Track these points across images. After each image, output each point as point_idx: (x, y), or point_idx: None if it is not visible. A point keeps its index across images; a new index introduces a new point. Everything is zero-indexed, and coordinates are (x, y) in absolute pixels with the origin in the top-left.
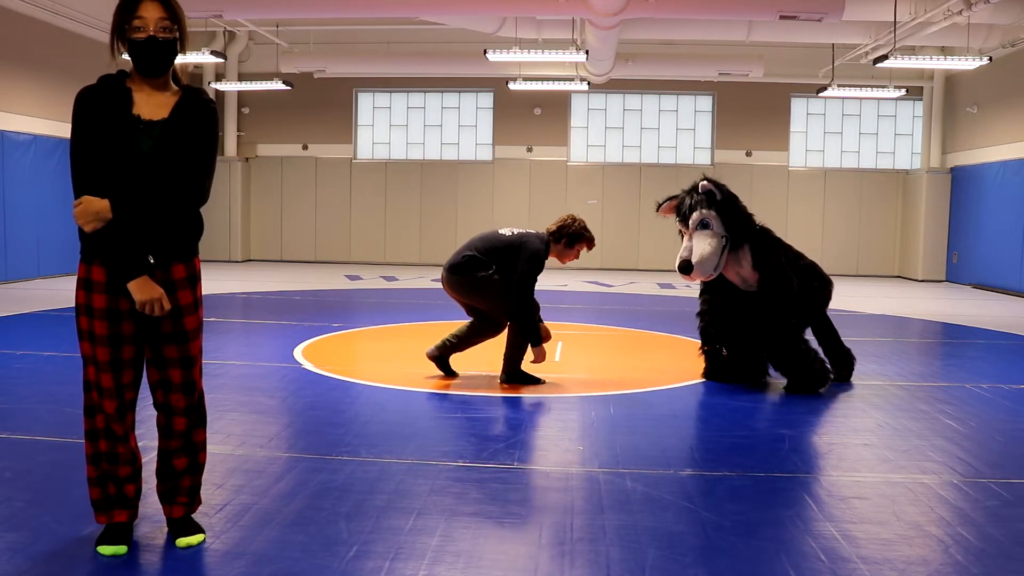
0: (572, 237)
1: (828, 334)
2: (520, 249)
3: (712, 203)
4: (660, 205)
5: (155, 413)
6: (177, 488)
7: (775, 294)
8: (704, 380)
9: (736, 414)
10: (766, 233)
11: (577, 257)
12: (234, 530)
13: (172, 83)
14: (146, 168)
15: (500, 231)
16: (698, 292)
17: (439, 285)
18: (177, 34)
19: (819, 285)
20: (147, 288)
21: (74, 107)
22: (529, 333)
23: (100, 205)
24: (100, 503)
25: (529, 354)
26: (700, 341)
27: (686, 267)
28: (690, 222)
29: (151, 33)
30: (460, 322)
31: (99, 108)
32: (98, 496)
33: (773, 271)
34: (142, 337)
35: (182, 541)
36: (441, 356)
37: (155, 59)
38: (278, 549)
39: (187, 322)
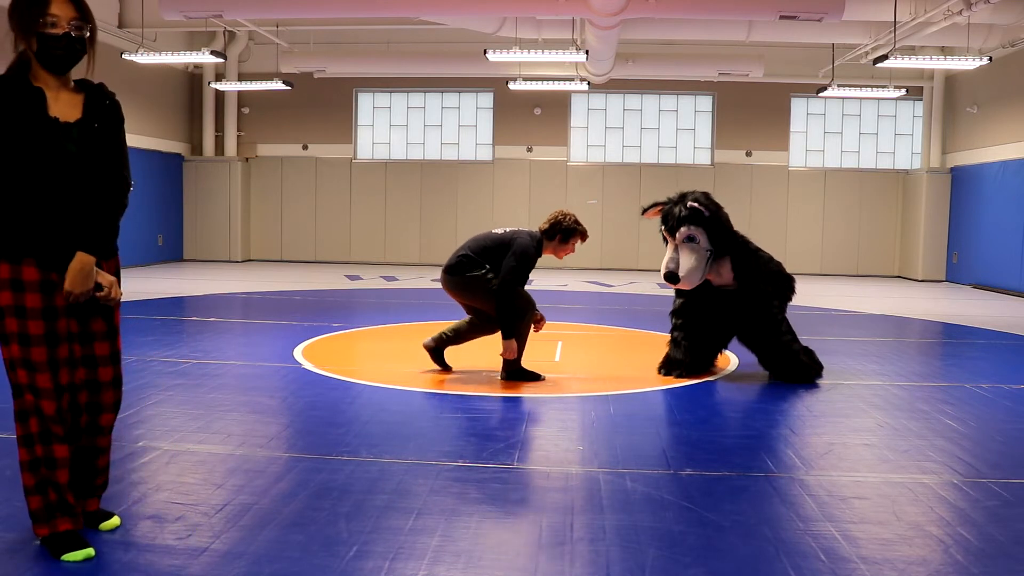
0: (566, 232)
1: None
2: (510, 246)
3: (699, 219)
4: (645, 210)
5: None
6: (93, 485)
7: (753, 296)
8: (661, 374)
9: (736, 414)
10: (745, 244)
11: (573, 251)
12: (234, 530)
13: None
14: (74, 169)
15: (493, 231)
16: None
17: (439, 285)
18: (88, 33)
19: (787, 283)
20: (92, 276)
21: None
22: (506, 324)
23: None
24: (40, 513)
25: (530, 352)
26: (669, 335)
27: (673, 278)
28: (677, 235)
29: (66, 30)
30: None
31: (14, 111)
32: (38, 505)
33: (753, 281)
34: (73, 336)
35: (107, 525)
36: (437, 348)
37: (69, 57)
38: (278, 549)
39: (116, 317)
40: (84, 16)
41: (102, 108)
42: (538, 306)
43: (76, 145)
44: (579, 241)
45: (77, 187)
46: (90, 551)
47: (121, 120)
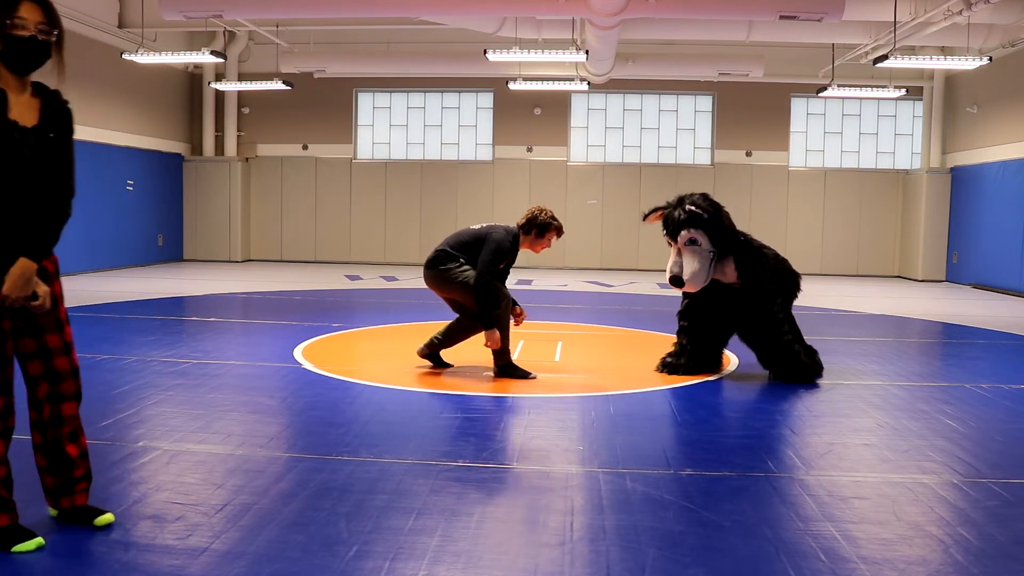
0: (541, 227)
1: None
2: (486, 240)
3: (699, 222)
4: (646, 215)
5: (27, 410)
6: (73, 478)
7: (758, 296)
8: (662, 372)
9: (736, 414)
10: (748, 243)
11: (549, 245)
12: (234, 530)
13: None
14: (26, 175)
15: (471, 227)
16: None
17: None
18: (54, 37)
19: (792, 280)
20: (31, 283)
21: None
22: (484, 314)
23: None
24: None
25: (531, 352)
26: (676, 335)
27: (678, 282)
28: (679, 239)
29: (32, 33)
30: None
31: None
32: None
33: (756, 279)
34: (22, 331)
35: (100, 520)
36: (432, 353)
37: (33, 59)
38: (278, 549)
39: (62, 310)
40: (51, 21)
41: (58, 116)
42: (538, 306)
43: (31, 150)
44: (555, 236)
45: (26, 192)
46: (40, 540)
47: (72, 130)
